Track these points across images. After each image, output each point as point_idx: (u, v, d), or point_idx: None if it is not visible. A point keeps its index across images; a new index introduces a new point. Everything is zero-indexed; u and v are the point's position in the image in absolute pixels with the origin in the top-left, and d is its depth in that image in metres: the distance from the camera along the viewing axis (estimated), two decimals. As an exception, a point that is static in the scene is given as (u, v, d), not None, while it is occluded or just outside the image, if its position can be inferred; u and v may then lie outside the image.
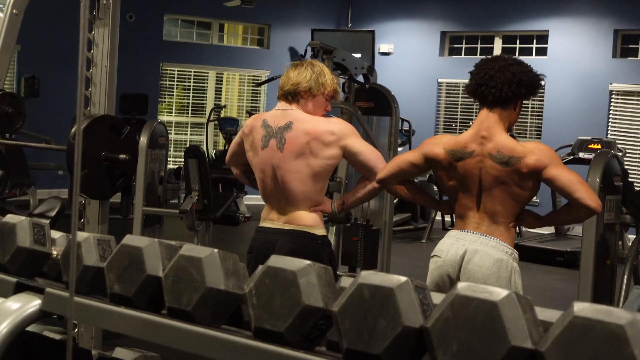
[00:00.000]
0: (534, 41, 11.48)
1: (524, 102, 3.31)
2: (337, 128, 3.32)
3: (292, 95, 3.40)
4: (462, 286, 1.01)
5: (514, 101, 3.20)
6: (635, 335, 0.87)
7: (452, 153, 3.20)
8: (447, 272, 3.23)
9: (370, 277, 1.09)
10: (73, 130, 3.25)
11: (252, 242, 3.48)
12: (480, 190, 3.16)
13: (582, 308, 0.92)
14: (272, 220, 3.43)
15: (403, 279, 1.08)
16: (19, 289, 1.50)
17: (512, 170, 3.07)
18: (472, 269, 3.15)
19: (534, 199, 3.31)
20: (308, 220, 3.37)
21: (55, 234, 1.75)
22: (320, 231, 3.40)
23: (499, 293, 0.97)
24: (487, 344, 0.95)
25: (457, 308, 1.00)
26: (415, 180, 9.68)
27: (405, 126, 10.46)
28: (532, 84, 3.18)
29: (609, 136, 10.36)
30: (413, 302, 1.06)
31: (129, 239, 1.39)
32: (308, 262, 1.19)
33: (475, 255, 3.15)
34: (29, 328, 1.57)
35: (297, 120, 3.34)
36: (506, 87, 3.15)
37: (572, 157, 8.68)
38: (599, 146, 8.34)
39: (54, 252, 1.62)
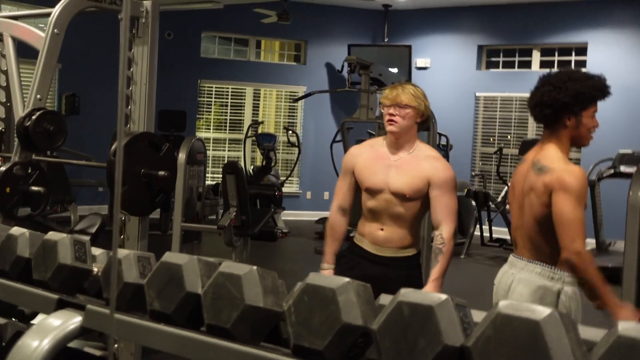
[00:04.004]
0: (573, 54, 11.38)
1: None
2: None
3: None
4: (503, 304, 1.00)
5: (552, 120, 3.15)
6: (683, 355, 0.85)
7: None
8: (499, 300, 3.20)
9: (409, 294, 1.09)
10: (113, 147, 3.28)
11: None
12: (522, 206, 3.16)
13: (627, 327, 0.90)
14: None
15: (443, 296, 1.07)
16: (60, 305, 1.52)
17: (538, 179, 3.06)
18: (515, 299, 3.12)
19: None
20: None
21: (96, 251, 1.77)
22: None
23: (542, 312, 0.96)
24: (530, 363, 0.94)
25: (499, 326, 0.98)
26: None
27: (443, 141, 10.42)
28: (554, 104, 3.12)
29: (650, 149, 10.21)
30: (453, 320, 1.05)
31: (169, 256, 1.39)
32: (347, 279, 1.18)
33: (519, 284, 3.15)
34: (70, 343, 1.59)
35: None
36: (537, 109, 3.17)
37: (612, 170, 8.57)
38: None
39: (95, 269, 1.64)
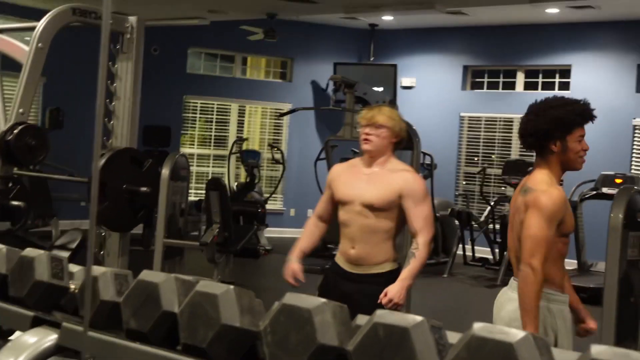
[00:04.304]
0: (557, 76, 11.47)
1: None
2: None
3: None
4: (478, 327, 1.00)
5: (538, 147, 3.21)
6: (654, 380, 0.85)
7: None
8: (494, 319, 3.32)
9: (385, 316, 1.09)
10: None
11: None
12: (512, 228, 3.23)
13: (600, 351, 0.90)
14: None
15: (419, 318, 1.07)
16: (36, 323, 1.51)
17: (522, 200, 3.14)
18: (502, 316, 3.22)
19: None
20: None
21: (74, 268, 1.76)
22: None
23: (515, 334, 0.96)
24: (503, 386, 0.94)
25: (473, 349, 0.98)
26: (438, 215, 9.57)
27: (427, 160, 10.44)
28: (536, 132, 3.18)
29: (632, 171, 10.28)
30: (429, 342, 1.05)
31: (146, 275, 1.39)
32: (323, 300, 1.18)
33: (509, 302, 3.20)
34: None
35: None
36: (523, 139, 3.25)
37: (595, 192, 8.61)
38: (622, 181, 8.27)
39: (72, 286, 1.62)
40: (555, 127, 3.16)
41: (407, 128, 3.76)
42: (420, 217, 3.54)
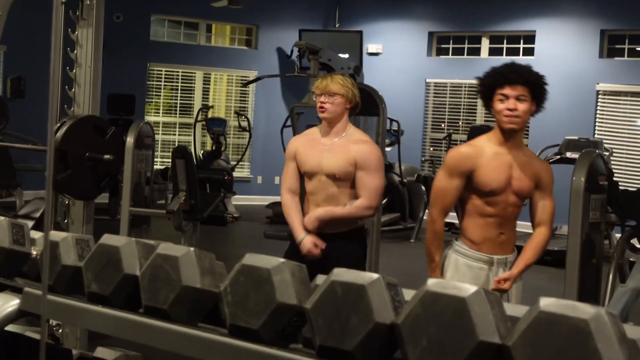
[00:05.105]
0: (521, 41, 11.52)
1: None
2: None
3: None
4: (431, 282, 1.02)
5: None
6: (599, 329, 0.88)
7: None
8: None
9: (342, 274, 1.11)
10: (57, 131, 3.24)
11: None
12: None
13: (548, 303, 0.93)
14: None
15: (375, 276, 1.09)
16: (-3, 288, 1.51)
17: None
18: None
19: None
20: None
21: (36, 234, 1.75)
22: None
23: (467, 289, 0.99)
24: (456, 338, 0.97)
25: (427, 304, 1.01)
26: (405, 180, 9.69)
27: (394, 126, 10.48)
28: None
29: (596, 136, 10.40)
30: (384, 298, 1.07)
31: (107, 238, 1.39)
32: (282, 260, 1.20)
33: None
34: (10, 328, 1.58)
35: None
36: None
37: (559, 156, 8.72)
38: (585, 145, 8.38)
39: (34, 252, 1.62)
40: (480, 91, 3.45)
41: (364, 93, 3.97)
42: (366, 187, 3.69)
